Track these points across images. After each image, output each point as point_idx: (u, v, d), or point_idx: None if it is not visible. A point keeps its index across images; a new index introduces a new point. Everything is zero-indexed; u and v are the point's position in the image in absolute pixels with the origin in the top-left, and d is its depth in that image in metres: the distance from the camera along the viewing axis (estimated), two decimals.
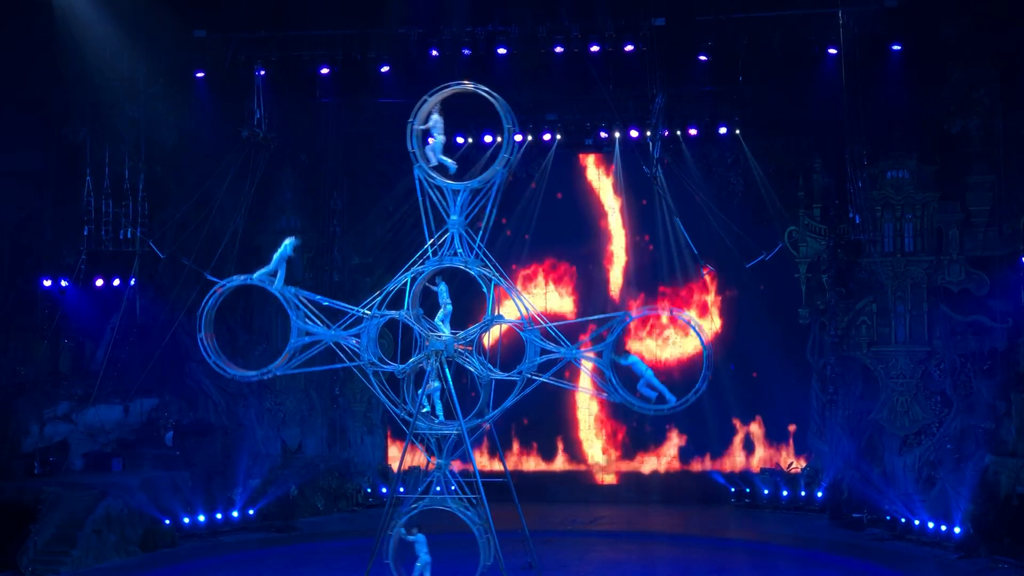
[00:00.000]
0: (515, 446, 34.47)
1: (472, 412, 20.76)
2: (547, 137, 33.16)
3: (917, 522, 27.83)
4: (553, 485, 34.27)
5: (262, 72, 29.90)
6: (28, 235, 30.43)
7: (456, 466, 21.43)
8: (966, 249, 29.35)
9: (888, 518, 28.81)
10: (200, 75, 30.45)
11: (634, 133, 32.29)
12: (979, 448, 28.05)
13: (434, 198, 20.25)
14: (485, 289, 20.23)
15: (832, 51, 28.52)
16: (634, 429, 34.40)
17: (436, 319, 20.63)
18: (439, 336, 20.40)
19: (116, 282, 30.16)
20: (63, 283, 29.70)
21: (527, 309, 20.23)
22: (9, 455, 28.95)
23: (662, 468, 34.28)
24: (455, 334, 20.52)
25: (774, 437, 33.58)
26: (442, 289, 20.76)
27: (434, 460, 20.86)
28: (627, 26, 28.97)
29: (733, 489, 33.06)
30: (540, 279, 35.03)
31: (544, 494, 33.28)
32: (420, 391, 20.49)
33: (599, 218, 34.85)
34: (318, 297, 20.99)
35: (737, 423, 33.75)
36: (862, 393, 30.88)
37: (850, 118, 28.52)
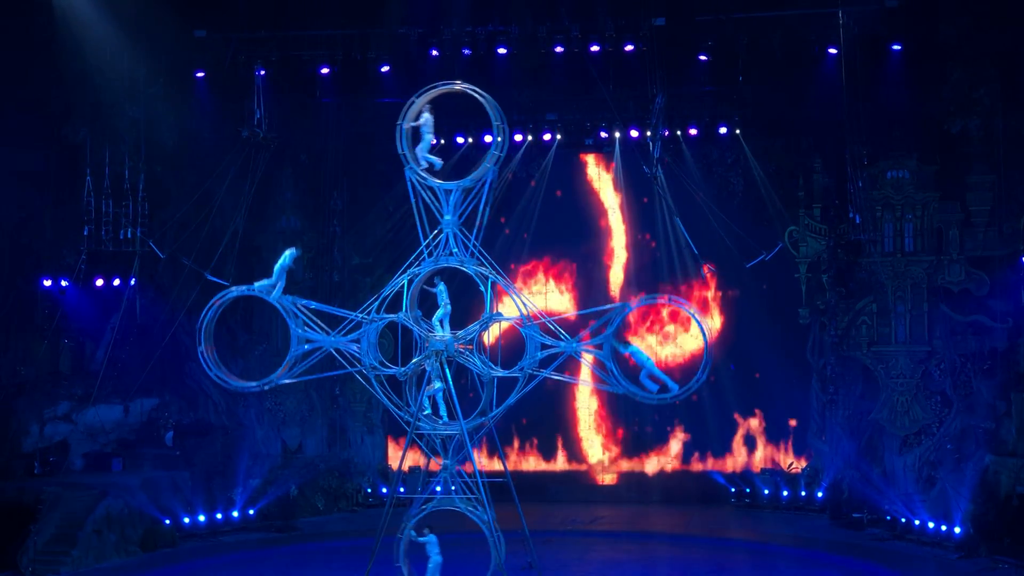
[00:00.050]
0: (515, 446, 34.48)
1: (476, 411, 20.77)
2: (547, 137, 33.19)
3: (917, 522, 27.83)
4: (553, 485, 34.29)
5: (262, 72, 29.93)
6: (28, 235, 30.41)
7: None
8: (966, 249, 29.35)
9: (888, 518, 28.82)
10: (200, 75, 30.46)
11: (634, 133, 32.31)
12: (979, 448, 28.06)
13: (427, 199, 20.29)
14: (482, 287, 20.24)
15: (832, 51, 28.53)
16: (635, 429, 34.42)
17: (434, 319, 20.64)
18: (440, 336, 20.40)
19: (116, 282, 30.16)
20: (63, 283, 29.70)
21: (525, 305, 20.24)
22: (9, 455, 28.96)
23: (662, 468, 34.29)
24: (455, 334, 20.53)
25: (774, 437, 33.60)
26: (441, 289, 20.74)
27: (438, 460, 20.87)
28: (627, 26, 29.00)
29: (733, 489, 33.07)
30: (540, 277, 35.08)
31: (544, 494, 33.29)
32: (420, 392, 20.48)
33: (599, 217, 34.89)
34: (316, 304, 21.00)
35: (737, 423, 33.77)
36: (862, 393, 30.88)
37: (850, 118, 28.54)
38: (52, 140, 30.05)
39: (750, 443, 33.77)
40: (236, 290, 20.75)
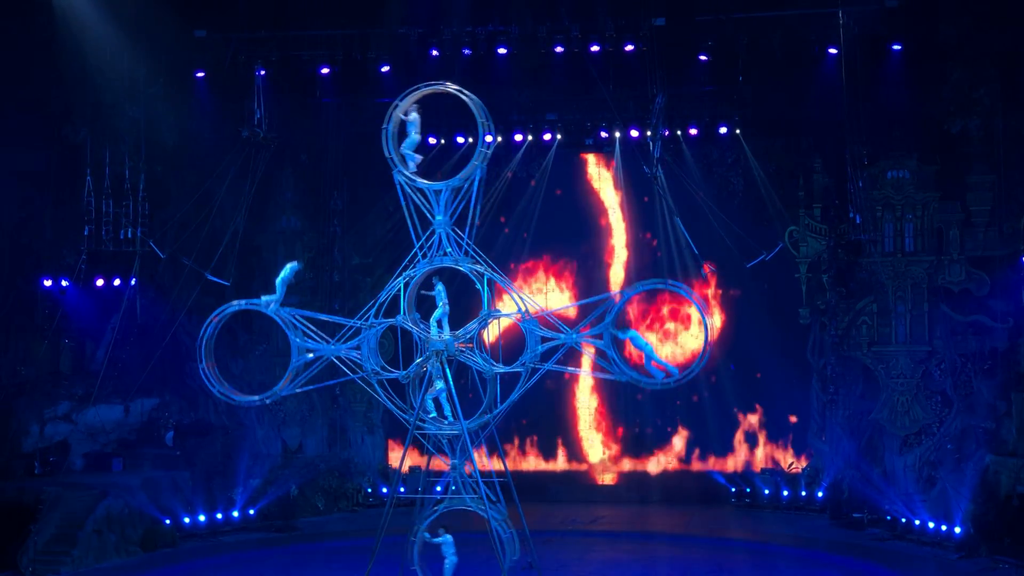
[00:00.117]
0: (514, 445, 34.48)
1: (480, 410, 20.80)
2: (547, 137, 33.18)
3: (917, 522, 27.82)
4: (553, 485, 34.29)
5: (262, 72, 29.93)
6: (28, 235, 30.42)
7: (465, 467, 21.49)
8: (966, 249, 29.35)
9: (888, 518, 28.80)
10: (200, 75, 30.45)
11: (634, 133, 32.31)
12: (979, 448, 28.05)
13: (417, 201, 20.31)
14: (479, 285, 20.27)
15: (832, 51, 28.53)
16: (635, 429, 34.42)
17: (431, 320, 20.66)
18: (439, 336, 20.42)
19: (116, 282, 30.16)
20: (63, 283, 29.71)
21: (523, 300, 20.28)
22: (9, 455, 28.97)
23: (663, 468, 34.28)
24: (454, 333, 20.55)
25: (774, 437, 33.59)
26: (440, 290, 20.78)
27: (445, 460, 20.93)
28: (627, 26, 28.99)
29: (733, 489, 33.06)
30: (540, 275, 35.08)
31: (544, 494, 33.28)
32: (420, 394, 20.50)
33: (599, 216, 34.89)
34: (313, 313, 21.04)
35: (738, 423, 33.75)
36: (862, 393, 30.88)
37: (850, 118, 28.54)
38: (52, 140, 30.03)
39: (751, 443, 33.76)
40: (234, 305, 20.82)
